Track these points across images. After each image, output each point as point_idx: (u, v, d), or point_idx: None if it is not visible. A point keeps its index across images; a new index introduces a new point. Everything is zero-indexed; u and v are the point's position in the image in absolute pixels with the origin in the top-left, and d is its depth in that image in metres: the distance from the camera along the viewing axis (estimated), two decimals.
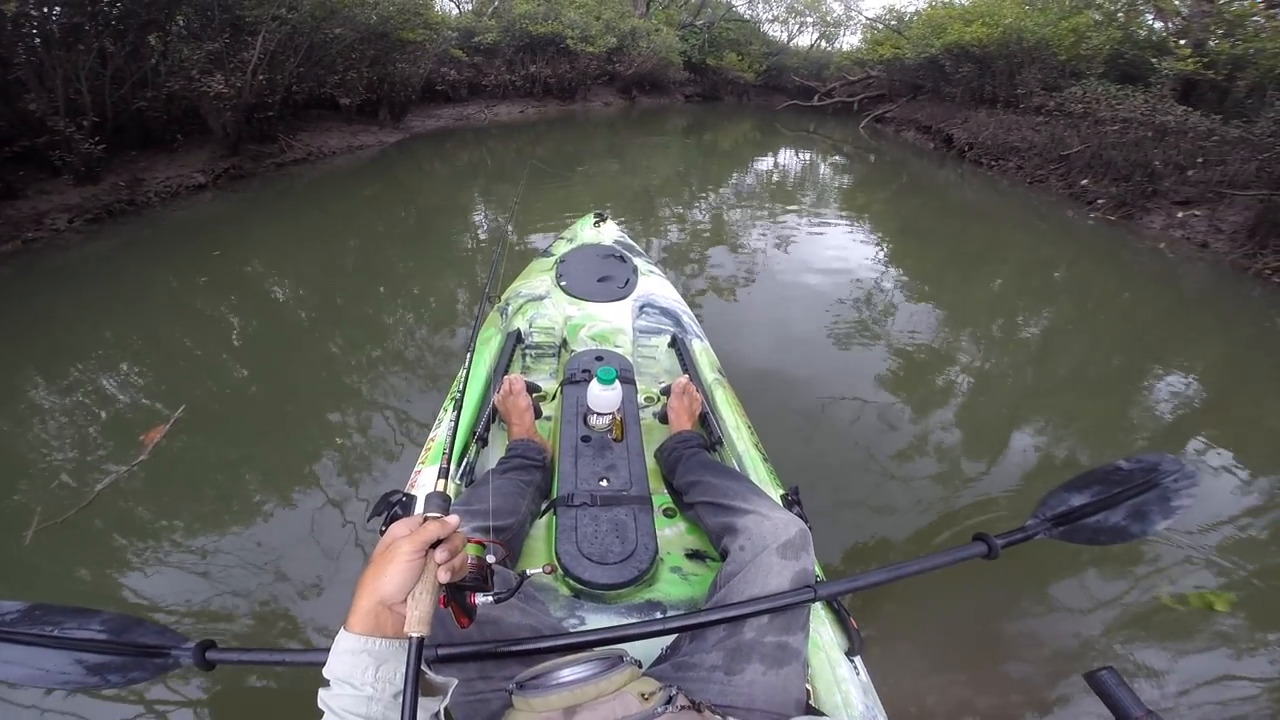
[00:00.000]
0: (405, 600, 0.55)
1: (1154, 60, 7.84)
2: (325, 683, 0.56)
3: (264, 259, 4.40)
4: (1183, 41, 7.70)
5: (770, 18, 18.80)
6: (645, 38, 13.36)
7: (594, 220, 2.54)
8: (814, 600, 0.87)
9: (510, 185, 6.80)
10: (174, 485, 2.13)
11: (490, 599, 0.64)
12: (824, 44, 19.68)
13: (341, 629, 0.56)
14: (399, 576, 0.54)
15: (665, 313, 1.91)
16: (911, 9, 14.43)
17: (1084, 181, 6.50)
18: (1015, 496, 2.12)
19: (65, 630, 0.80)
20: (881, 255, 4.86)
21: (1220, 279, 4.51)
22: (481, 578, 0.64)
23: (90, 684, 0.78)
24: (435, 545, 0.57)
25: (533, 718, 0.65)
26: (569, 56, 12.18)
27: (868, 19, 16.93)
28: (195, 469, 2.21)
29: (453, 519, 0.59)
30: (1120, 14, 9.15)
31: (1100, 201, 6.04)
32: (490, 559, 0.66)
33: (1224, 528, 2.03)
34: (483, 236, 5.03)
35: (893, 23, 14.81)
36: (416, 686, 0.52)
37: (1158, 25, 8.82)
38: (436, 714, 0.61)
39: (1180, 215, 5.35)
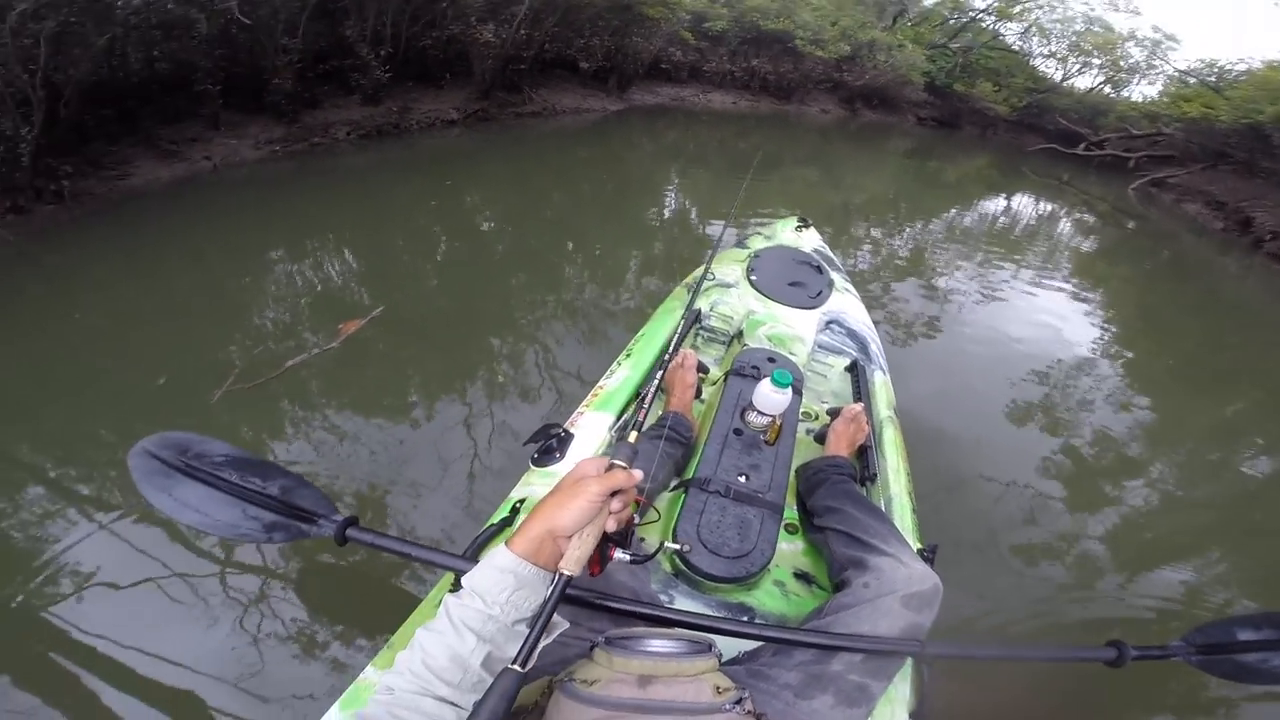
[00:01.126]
0: (571, 537, 0.58)
1: None
2: (456, 588, 0.58)
3: (485, 195, 4.92)
4: None
5: (1045, 52, 16.48)
6: (885, 51, 12.52)
7: (796, 224, 2.50)
8: (919, 655, 0.84)
9: (706, 171, 6.83)
10: (357, 373, 2.39)
11: (627, 557, 0.66)
12: (1108, 90, 16.87)
13: (502, 545, 0.58)
14: (578, 513, 0.57)
15: (852, 335, 1.86)
16: (1242, 67, 11.81)
17: None
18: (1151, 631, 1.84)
19: (248, 481, 0.87)
20: (1100, 338, 4.10)
21: None
22: (626, 534, 0.66)
23: (238, 534, 0.85)
24: (614, 495, 0.60)
25: (608, 673, 0.64)
26: (794, 56, 11.85)
27: (1176, 70, 14.19)
28: (379, 363, 2.48)
29: (638, 473, 0.62)
30: None
31: None
32: (637, 519, 0.68)
33: None
34: (666, 216, 5.11)
35: (1210, 78, 12.26)
36: (550, 620, 0.55)
37: None
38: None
39: None
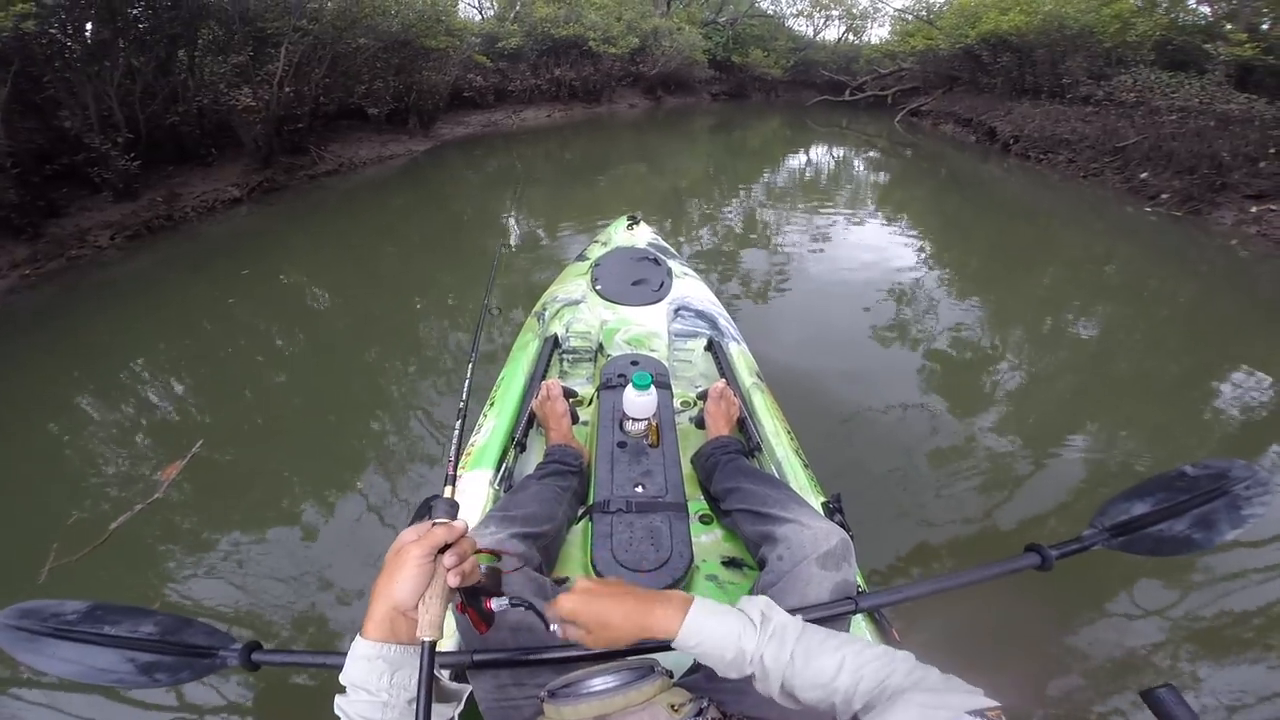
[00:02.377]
0: (417, 606, 0.56)
1: (1206, 46, 7.41)
2: (343, 689, 0.56)
3: (301, 271, 4.38)
4: (1229, 26, 7.26)
5: (795, 12, 18.38)
6: (668, 36, 13.15)
7: (627, 223, 2.51)
8: (855, 612, 0.84)
9: (541, 188, 6.72)
10: (208, 504, 2.10)
11: (507, 604, 0.65)
12: (852, 37, 19.19)
13: (358, 635, 0.56)
14: (409, 582, 0.56)
15: (701, 315, 1.88)
16: (940, 0, 13.99)
17: (1143, 175, 6.12)
18: (1069, 507, 2.02)
19: (121, 629, 0.83)
20: (923, 253, 4.66)
21: None
22: (496, 584, 0.66)
23: (141, 683, 0.80)
24: (444, 550, 0.58)
25: None
26: (592, 59, 12.05)
27: (896, 10, 16.47)
28: (230, 486, 2.19)
29: (460, 524, 0.61)
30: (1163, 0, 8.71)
31: (1164, 196, 5.67)
32: (505, 567, 0.68)
33: None
34: (516, 243, 4.94)
35: (922, 13, 14.35)
36: (430, 692, 0.54)
37: (1204, 10, 8.38)
38: (453, 718, 0.63)
39: (1254, 210, 4.97)
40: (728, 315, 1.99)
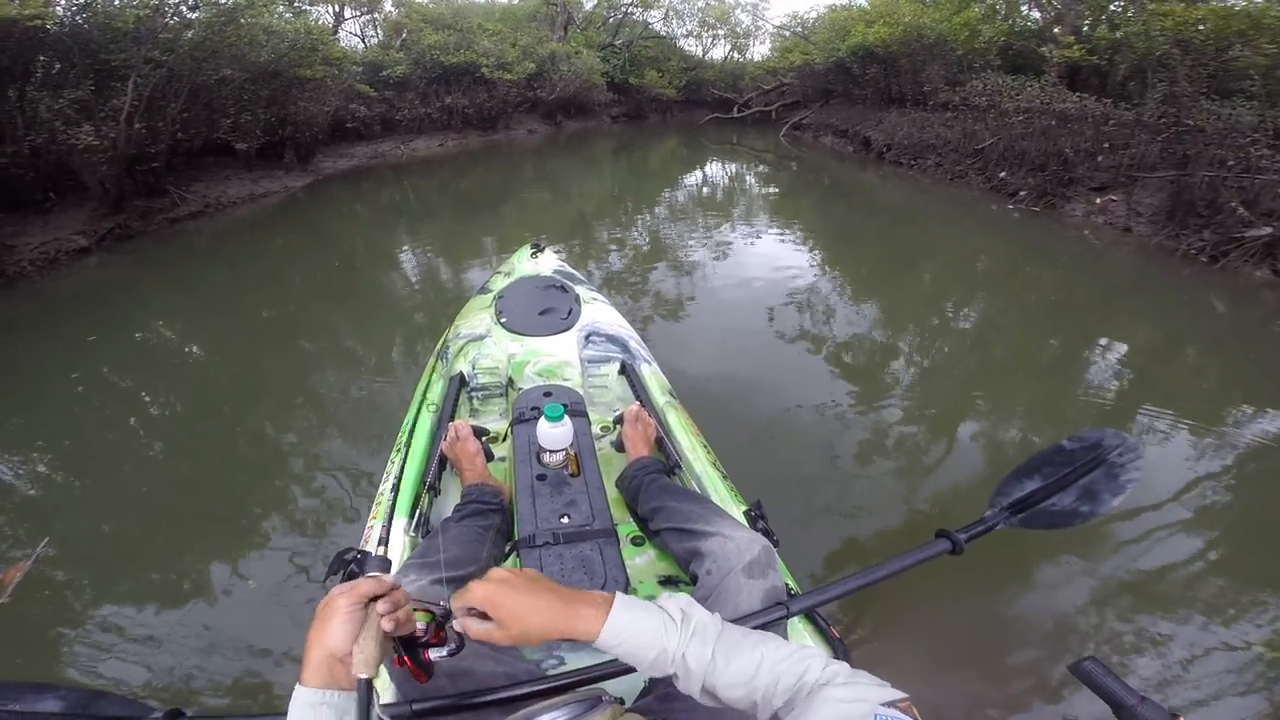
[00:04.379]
0: (352, 650, 0.56)
1: (1040, 49, 8.34)
2: None
3: (169, 327, 3.89)
4: (1057, 30, 8.24)
5: (684, 33, 19.09)
6: (566, 61, 13.20)
7: (531, 251, 2.44)
8: (787, 616, 0.86)
9: (437, 221, 6.44)
10: (94, 582, 1.88)
11: (445, 653, 0.64)
12: (737, 55, 20.20)
13: (297, 684, 0.55)
14: (341, 627, 0.55)
15: (612, 340, 1.87)
16: (814, 15, 15.01)
17: (1002, 174, 6.76)
18: (979, 484, 2.13)
19: (22, 706, 0.77)
20: (815, 260, 4.89)
21: (1148, 261, 4.69)
22: (437, 632, 0.64)
23: None
24: (377, 599, 0.58)
25: None
26: (486, 85, 11.81)
27: (774, 27, 17.52)
28: (118, 563, 1.96)
29: (389, 578, 0.61)
30: (1001, 6, 9.76)
31: (1022, 193, 6.27)
32: (443, 618, 0.65)
33: (1182, 497, 2.07)
34: (414, 279, 4.67)
35: (798, 29, 15.32)
36: None
37: (1035, 15, 9.46)
38: None
39: (1099, 201, 5.60)
40: (638, 337, 1.98)
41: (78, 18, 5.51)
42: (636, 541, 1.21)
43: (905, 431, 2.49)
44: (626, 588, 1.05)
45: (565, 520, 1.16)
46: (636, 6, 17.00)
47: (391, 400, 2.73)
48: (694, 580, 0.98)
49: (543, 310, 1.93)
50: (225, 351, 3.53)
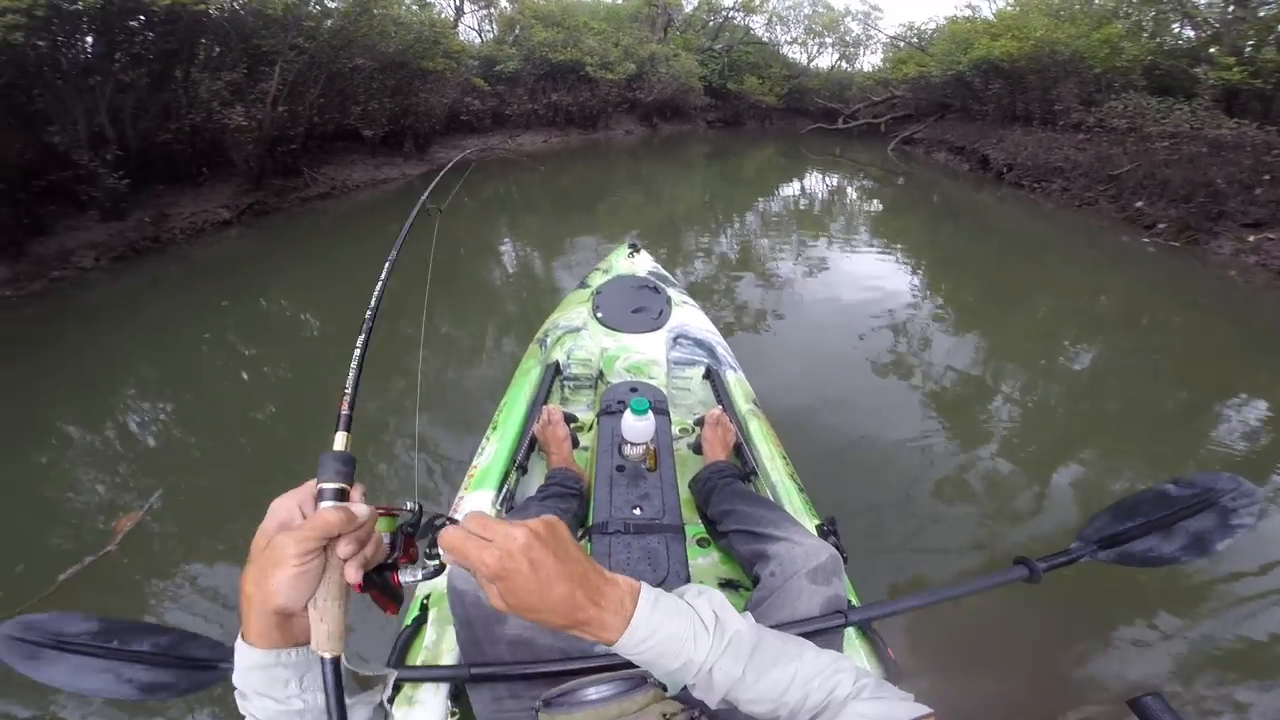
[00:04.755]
0: (307, 608, 0.45)
1: (1193, 70, 7.51)
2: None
3: (291, 298, 4.28)
4: (1214, 50, 7.37)
5: (789, 40, 18.78)
6: (665, 63, 13.34)
7: (628, 251, 2.53)
8: (845, 625, 0.86)
9: (535, 216, 6.66)
10: (191, 534, 2.05)
11: (419, 576, 0.53)
12: (845, 65, 19.60)
13: (239, 639, 0.46)
14: (290, 588, 0.44)
15: (699, 344, 1.92)
16: (933, 25, 14.28)
17: (1139, 204, 6.14)
18: (1061, 531, 2.02)
19: (123, 643, 0.83)
20: (917, 284, 4.65)
21: None
22: (404, 550, 0.53)
23: (142, 696, 0.81)
24: (338, 539, 0.46)
25: None
26: (589, 84, 12.14)
27: (888, 37, 16.82)
28: (214, 515, 2.14)
29: (360, 508, 0.47)
30: (1148, 23, 8.87)
31: (1160, 226, 5.67)
32: (411, 528, 0.54)
33: None
34: (510, 271, 4.86)
35: (914, 40, 14.64)
36: (342, 712, 0.45)
37: (1189, 33, 8.54)
38: (380, 704, 0.55)
39: (1252, 239, 4.97)
40: (725, 344, 2.00)
41: (236, 3, 6.07)
42: (702, 543, 1.23)
43: (993, 472, 2.36)
44: (686, 584, 1.06)
45: (638, 512, 1.19)
46: (738, 11, 16.83)
47: (480, 386, 2.86)
48: (756, 582, 0.98)
49: (636, 309, 2.00)
50: (338, 325, 3.81)
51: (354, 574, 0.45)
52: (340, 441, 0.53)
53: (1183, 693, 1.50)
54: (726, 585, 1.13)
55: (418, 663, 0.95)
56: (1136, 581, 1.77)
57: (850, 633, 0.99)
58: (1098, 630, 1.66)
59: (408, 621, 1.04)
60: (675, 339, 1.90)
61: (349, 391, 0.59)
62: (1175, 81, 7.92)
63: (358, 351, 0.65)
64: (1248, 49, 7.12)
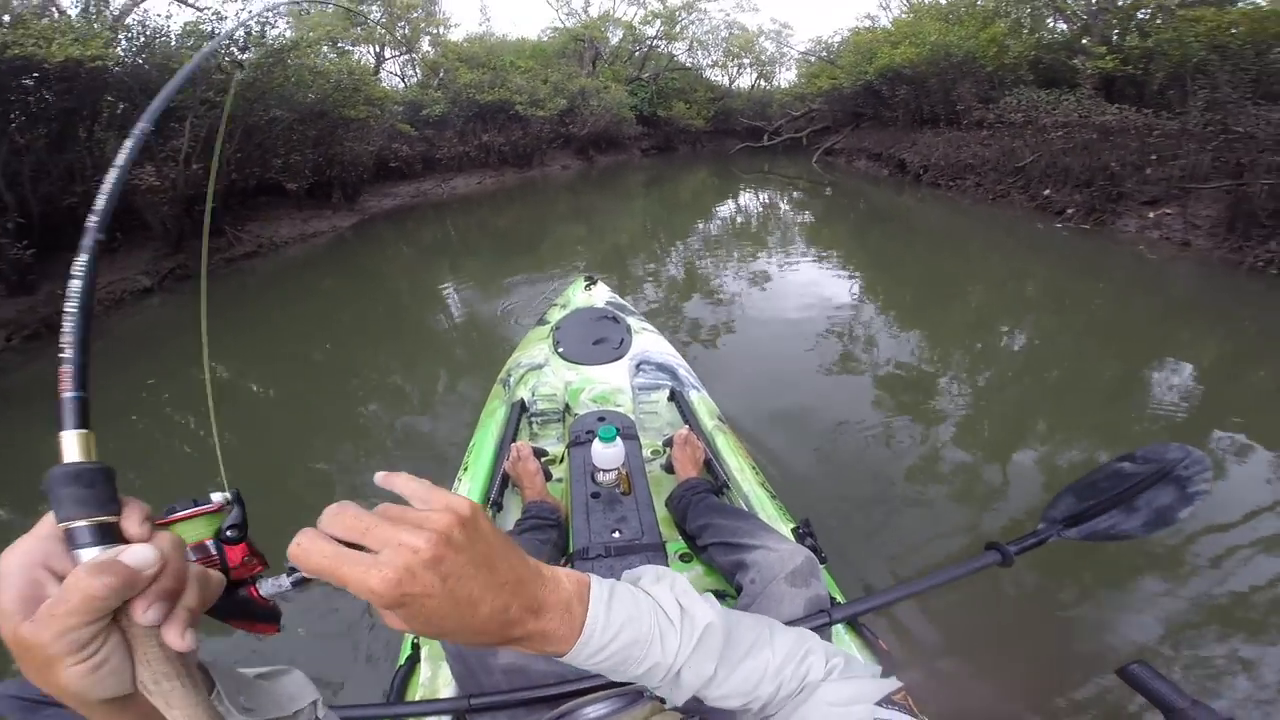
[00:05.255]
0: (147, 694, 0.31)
1: (1072, 61, 8.17)
2: None
3: (224, 368, 4.03)
4: (1085, 40, 8.06)
5: (710, 63, 19.43)
6: (595, 95, 13.53)
7: (585, 284, 2.56)
8: (829, 624, 0.88)
9: (476, 259, 6.58)
10: None
11: (287, 585, 0.39)
12: (764, 83, 20.45)
13: None
14: (84, 688, 0.29)
15: (661, 368, 1.97)
16: (838, 39, 15.11)
17: (1046, 192, 6.59)
18: (1036, 506, 2.08)
19: None
20: (855, 287, 4.82)
21: (1211, 276, 4.48)
22: (251, 560, 0.39)
23: None
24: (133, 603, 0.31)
25: None
26: (520, 122, 12.16)
27: (799, 53, 17.71)
28: None
29: (144, 553, 0.31)
30: (1026, 20, 9.64)
31: (1069, 211, 6.10)
32: (235, 529, 0.39)
33: (1257, 518, 1.99)
34: (458, 317, 4.76)
35: (824, 54, 15.44)
36: None
37: (1062, 26, 9.29)
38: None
39: (1152, 215, 5.39)
40: (687, 365, 2.05)
41: (138, 58, 5.80)
42: (685, 558, 1.27)
43: (955, 456, 2.45)
44: None
45: (616, 535, 1.22)
46: (661, 39, 17.39)
47: (438, 431, 2.77)
48: (739, 590, 1.00)
49: (596, 340, 2.03)
50: (279, 392, 3.64)
51: (178, 638, 0.31)
52: (73, 447, 0.33)
53: (1173, 656, 1.56)
54: (714, 595, 1.14)
55: (416, 699, 0.96)
56: (1107, 552, 1.82)
57: (841, 630, 1.03)
58: (1078, 603, 1.72)
59: (401, 660, 1.07)
60: (638, 366, 1.95)
61: (69, 354, 0.36)
62: (1058, 74, 8.54)
63: (76, 281, 0.38)
64: (1114, 37, 7.81)
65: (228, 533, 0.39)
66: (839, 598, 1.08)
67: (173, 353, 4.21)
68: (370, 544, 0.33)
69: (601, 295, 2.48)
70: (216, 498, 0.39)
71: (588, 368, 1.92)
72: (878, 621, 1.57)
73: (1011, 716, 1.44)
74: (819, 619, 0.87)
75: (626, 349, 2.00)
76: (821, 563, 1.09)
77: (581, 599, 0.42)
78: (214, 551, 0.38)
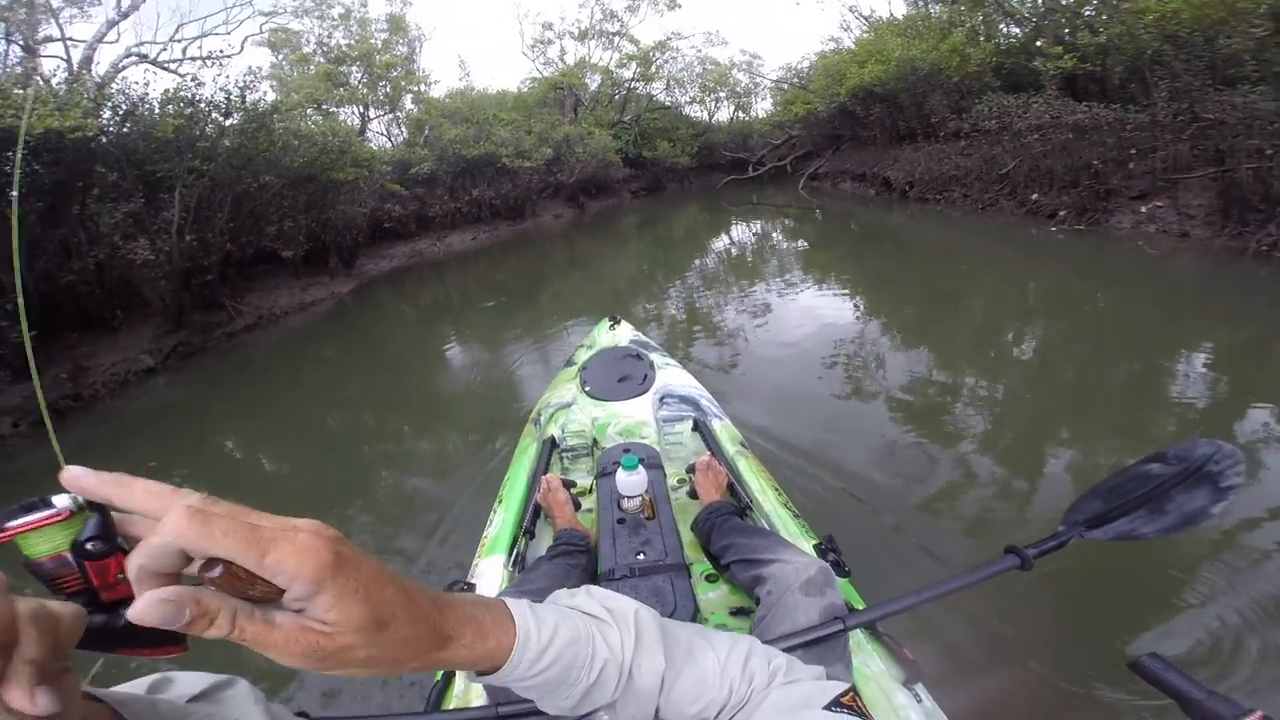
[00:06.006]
0: None
1: (1033, 64, 8.32)
2: None
3: (241, 445, 3.99)
4: (1040, 42, 8.24)
5: (688, 100, 19.88)
6: (580, 142, 13.80)
7: (609, 324, 2.67)
8: (844, 630, 0.90)
9: (479, 314, 6.59)
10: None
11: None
12: (742, 115, 20.92)
13: None
14: None
15: (684, 400, 2.04)
16: (807, 64, 15.50)
17: (1034, 196, 6.64)
18: (1049, 514, 2.09)
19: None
20: (858, 309, 4.81)
21: (1216, 265, 4.46)
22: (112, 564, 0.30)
23: None
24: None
25: None
26: (509, 174, 12.32)
27: (771, 81, 18.16)
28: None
29: None
30: (980, 27, 9.89)
31: (1061, 213, 6.12)
32: (94, 539, 0.30)
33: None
34: (464, 375, 4.74)
35: (795, 80, 15.84)
36: None
37: (1015, 30, 9.51)
38: None
39: (1144, 209, 5.41)
40: (709, 396, 2.13)
41: (123, 128, 5.84)
42: (710, 579, 1.30)
43: (975, 467, 2.44)
44: (695, 616, 1.14)
45: (641, 557, 1.27)
46: (639, 81, 17.85)
47: (450, 492, 2.74)
48: (758, 603, 1.04)
49: (621, 378, 2.12)
50: (289, 468, 3.59)
51: (26, 701, 0.25)
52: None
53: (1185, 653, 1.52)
54: (738, 613, 1.20)
55: (450, 708, 0.98)
56: (1134, 550, 1.75)
57: (863, 639, 1.04)
58: (1096, 606, 1.71)
59: (438, 676, 1.09)
60: (661, 399, 2.02)
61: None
62: (1022, 78, 8.69)
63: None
64: (1066, 35, 7.96)
65: (87, 546, 0.30)
66: (861, 604, 1.11)
67: (176, 433, 4.17)
68: (256, 594, 0.29)
69: (625, 334, 2.58)
70: (61, 502, 0.30)
71: (613, 404, 2.01)
72: (898, 628, 1.53)
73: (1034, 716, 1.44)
74: (833, 625, 0.89)
75: (650, 384, 2.09)
76: (845, 576, 1.14)
77: (493, 608, 0.38)
78: (75, 568, 0.30)
